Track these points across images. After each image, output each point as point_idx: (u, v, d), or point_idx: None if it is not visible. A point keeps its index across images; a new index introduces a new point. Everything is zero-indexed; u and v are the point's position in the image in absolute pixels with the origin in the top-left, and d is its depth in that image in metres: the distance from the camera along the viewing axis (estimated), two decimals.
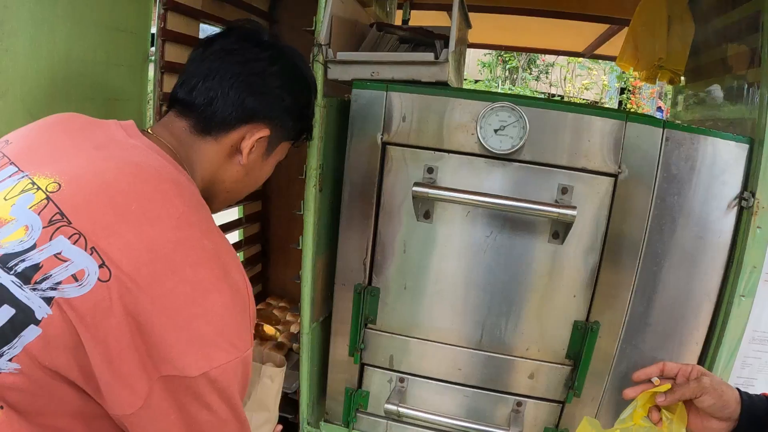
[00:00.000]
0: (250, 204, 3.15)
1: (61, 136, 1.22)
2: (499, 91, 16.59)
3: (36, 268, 0.98)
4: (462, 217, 1.76)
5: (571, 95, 17.14)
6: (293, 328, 2.85)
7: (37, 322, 0.96)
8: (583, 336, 1.76)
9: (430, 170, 1.75)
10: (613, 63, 3.30)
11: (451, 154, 1.74)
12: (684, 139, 1.62)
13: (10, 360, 0.97)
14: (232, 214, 3.03)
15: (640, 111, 16.35)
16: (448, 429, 1.96)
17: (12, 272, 0.98)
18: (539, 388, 1.87)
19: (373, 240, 1.87)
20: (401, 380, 1.98)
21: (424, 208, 1.78)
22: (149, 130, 1.30)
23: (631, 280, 1.71)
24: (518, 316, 1.81)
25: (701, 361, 1.80)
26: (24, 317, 0.97)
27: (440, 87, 1.77)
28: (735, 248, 1.69)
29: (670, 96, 3.40)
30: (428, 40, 1.93)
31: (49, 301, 0.96)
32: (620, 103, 17.11)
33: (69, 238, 1.00)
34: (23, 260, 0.98)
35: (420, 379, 1.97)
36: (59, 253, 0.99)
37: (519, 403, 1.90)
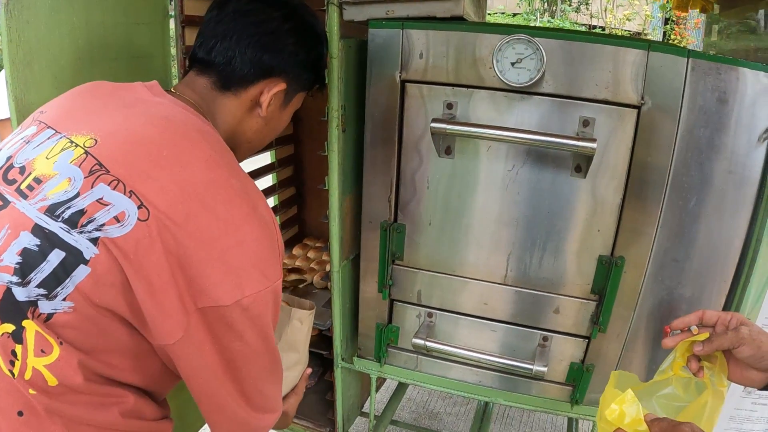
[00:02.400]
0: (282, 148, 3.17)
1: (92, 101, 1.31)
2: (538, 23, 16.34)
3: (81, 213, 1.08)
4: (483, 152, 1.76)
5: (613, 27, 16.77)
6: (329, 268, 2.86)
7: (86, 262, 1.07)
8: (607, 271, 1.76)
9: (449, 106, 1.75)
10: None
11: (469, 89, 1.73)
12: (710, 69, 1.57)
13: (64, 299, 1.08)
14: (265, 158, 3.05)
15: (684, 42, 15.98)
16: (476, 363, 2.00)
17: (59, 219, 1.08)
18: (565, 323, 1.89)
19: (396, 177, 1.89)
20: (429, 315, 2.02)
21: (445, 144, 1.78)
22: (172, 89, 1.40)
23: (657, 214, 1.69)
24: (543, 251, 1.81)
25: (729, 299, 1.78)
26: (74, 258, 1.07)
27: (456, 22, 1.75)
28: (765, 184, 1.65)
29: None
30: None
31: (95, 241, 1.06)
32: (664, 34, 16.70)
33: (108, 185, 1.09)
34: (69, 207, 1.09)
35: (447, 314, 2.00)
36: (101, 198, 1.08)
37: (545, 338, 1.92)
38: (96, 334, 1.12)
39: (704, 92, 1.59)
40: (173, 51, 2.34)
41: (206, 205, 1.12)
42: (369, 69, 1.81)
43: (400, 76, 1.77)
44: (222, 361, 1.19)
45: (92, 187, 1.09)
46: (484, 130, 1.66)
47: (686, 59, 1.57)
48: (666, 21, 16.76)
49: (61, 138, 1.18)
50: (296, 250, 3.19)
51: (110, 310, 1.10)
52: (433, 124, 1.69)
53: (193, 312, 1.11)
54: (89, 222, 1.07)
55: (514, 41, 1.62)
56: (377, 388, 2.28)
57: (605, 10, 16.83)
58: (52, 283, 1.07)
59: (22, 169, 1.17)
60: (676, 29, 16.20)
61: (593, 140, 1.59)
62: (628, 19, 16.61)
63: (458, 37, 1.70)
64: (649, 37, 16.61)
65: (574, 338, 1.90)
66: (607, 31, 16.42)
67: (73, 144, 1.16)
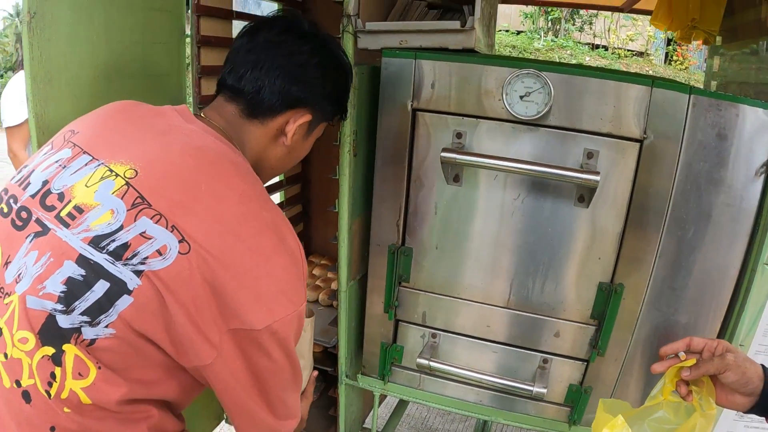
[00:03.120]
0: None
1: (126, 125, 1.35)
2: (542, 42, 16.37)
3: (125, 246, 1.13)
4: (490, 181, 1.81)
5: (616, 46, 16.81)
6: (334, 285, 2.92)
7: (129, 292, 1.12)
8: (607, 297, 1.80)
9: (458, 135, 1.79)
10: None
11: (478, 120, 1.77)
12: (711, 105, 1.62)
13: (106, 326, 1.12)
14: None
15: (686, 63, 16.02)
16: (477, 383, 2.04)
17: (104, 251, 1.13)
18: (564, 347, 1.93)
19: (405, 203, 1.93)
20: (433, 336, 2.05)
21: (454, 172, 1.83)
22: (202, 114, 1.44)
23: (656, 244, 1.73)
24: (545, 277, 1.86)
25: (723, 327, 1.82)
26: (118, 289, 1.12)
27: (467, 54, 1.80)
28: (760, 216, 1.69)
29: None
30: (456, 5, 1.97)
31: (138, 273, 1.12)
32: (667, 54, 16.75)
33: (151, 219, 1.14)
34: (113, 240, 1.13)
35: (451, 335, 2.04)
36: (144, 232, 1.13)
37: (545, 360, 1.96)
38: (132, 355, 1.17)
39: (704, 128, 1.64)
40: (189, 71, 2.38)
41: (240, 237, 1.18)
42: (381, 96, 1.86)
43: (411, 105, 1.82)
44: (251, 377, 1.25)
45: (135, 221, 1.14)
46: (493, 161, 1.71)
47: (688, 95, 1.62)
48: (668, 42, 16.79)
49: (99, 165, 1.22)
50: None
51: (148, 336, 1.15)
52: (444, 154, 1.73)
53: (225, 333, 1.16)
54: (134, 255, 1.12)
55: (523, 75, 1.68)
56: (379, 404, 2.31)
57: (608, 30, 16.86)
58: (96, 311, 1.12)
59: (61, 196, 1.20)
60: (678, 50, 16.25)
61: (597, 173, 1.64)
62: (631, 40, 16.64)
63: (469, 69, 1.75)
64: (651, 57, 16.64)
65: (573, 361, 1.94)
66: (610, 51, 16.47)
67: (113, 173, 1.20)
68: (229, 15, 2.53)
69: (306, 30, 1.47)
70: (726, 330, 1.83)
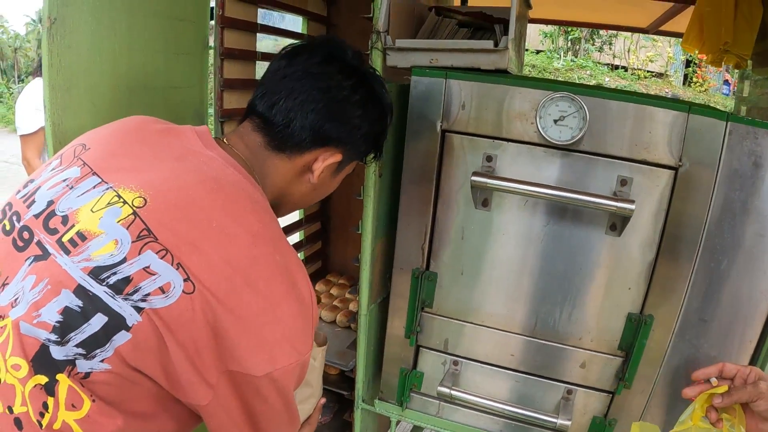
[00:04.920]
0: None
1: (139, 145, 1.29)
2: (561, 62, 16.37)
3: (127, 280, 1.07)
4: (520, 206, 1.76)
5: (635, 67, 16.81)
6: (352, 306, 2.90)
7: (128, 328, 1.07)
8: (636, 328, 1.75)
9: (489, 158, 1.75)
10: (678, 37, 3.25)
11: (510, 143, 1.73)
12: (747, 133, 1.57)
13: (101, 361, 1.07)
14: None
15: (706, 84, 15.99)
16: (499, 413, 1.98)
17: (104, 284, 1.07)
18: (590, 378, 1.88)
19: (431, 226, 1.88)
20: (455, 363, 2.01)
21: (483, 197, 1.79)
22: (224, 140, 1.37)
23: (688, 275, 1.68)
24: (572, 306, 1.81)
25: (754, 359, 1.77)
26: (116, 323, 1.07)
27: (500, 75, 1.76)
28: None
29: (737, 73, 3.32)
30: (486, 24, 1.93)
31: (139, 310, 1.06)
32: (686, 76, 16.75)
33: (156, 254, 1.08)
34: (115, 273, 1.07)
35: (473, 363, 1.99)
36: (147, 267, 1.07)
37: (569, 391, 1.91)
38: (128, 389, 1.12)
39: (741, 156, 1.59)
40: (211, 83, 2.36)
41: (249, 281, 1.12)
42: (410, 116, 1.82)
43: (441, 126, 1.78)
44: (246, 419, 1.20)
45: (139, 254, 1.08)
46: (525, 186, 1.66)
47: (725, 122, 1.57)
48: (688, 63, 16.80)
49: (107, 190, 1.16)
50: (319, 287, 3.19)
51: (144, 372, 1.11)
52: (474, 178, 1.69)
53: (222, 373, 1.11)
54: (135, 291, 1.06)
55: (558, 98, 1.63)
56: (394, 429, 2.26)
57: (628, 51, 16.86)
58: (92, 344, 1.07)
59: (65, 219, 1.14)
60: (698, 72, 16.24)
61: (632, 201, 1.59)
62: (650, 60, 16.65)
63: (502, 90, 1.70)
64: (670, 79, 16.63)
65: (598, 392, 1.89)
66: (629, 72, 16.45)
67: (121, 200, 1.14)
68: (254, 28, 2.51)
69: (349, 62, 1.39)
70: (756, 362, 1.77)
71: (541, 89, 1.67)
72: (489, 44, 1.74)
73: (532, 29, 16.33)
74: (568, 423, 1.84)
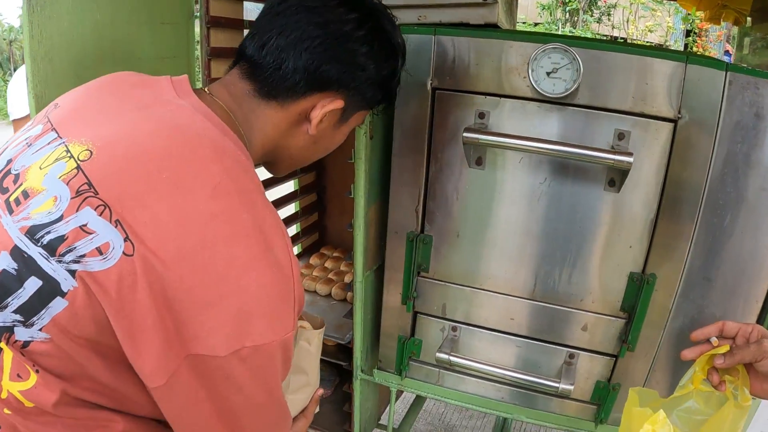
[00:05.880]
0: None
1: (108, 98, 1.16)
2: (560, 34, 16.28)
3: (61, 239, 0.95)
4: (515, 164, 1.72)
5: (635, 38, 16.70)
6: (347, 278, 2.86)
7: (63, 294, 0.96)
8: (638, 288, 1.71)
9: (481, 115, 1.70)
10: (677, 4, 3.16)
11: (503, 99, 1.68)
12: (748, 83, 1.51)
13: (40, 329, 0.98)
14: None
15: (706, 54, 15.89)
16: (499, 379, 1.95)
17: (39, 244, 0.96)
18: (592, 341, 1.84)
19: (425, 188, 1.84)
20: (454, 329, 1.97)
21: (476, 155, 1.74)
22: (206, 90, 1.21)
23: (690, 231, 1.64)
24: (572, 266, 1.77)
25: (761, 319, 1.73)
26: (50, 289, 0.96)
27: (490, 29, 1.71)
28: None
29: (736, 40, 3.28)
30: None
31: (73, 273, 0.94)
32: (686, 46, 16.61)
33: (95, 210, 0.95)
34: (49, 232, 0.96)
35: (472, 328, 1.96)
36: (84, 225, 0.95)
37: (571, 356, 1.87)
38: (77, 363, 1.01)
39: (742, 107, 1.54)
40: (198, 52, 2.31)
41: (205, 242, 0.96)
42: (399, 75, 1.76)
43: (431, 84, 1.73)
44: (217, 413, 1.05)
45: (77, 211, 0.96)
46: (518, 141, 1.61)
47: (724, 72, 1.52)
48: (688, 33, 16.69)
49: (59, 145, 1.05)
50: (313, 260, 3.15)
51: (91, 342, 0.99)
52: (466, 134, 1.64)
53: (184, 358, 0.96)
54: (69, 251, 0.95)
55: (550, 50, 1.58)
56: (395, 400, 2.23)
57: (627, 21, 16.76)
58: (29, 311, 0.97)
59: (16, 178, 1.04)
60: (698, 42, 16.13)
61: (630, 154, 1.54)
62: (650, 31, 16.54)
63: (492, 44, 1.65)
64: (671, 48, 16.54)
65: (600, 356, 1.86)
66: (629, 43, 16.36)
67: (68, 154, 1.02)
68: None
69: None
70: (763, 322, 1.73)
71: (532, 42, 1.61)
72: None
73: (530, 2, 16.28)
74: (571, 388, 1.81)
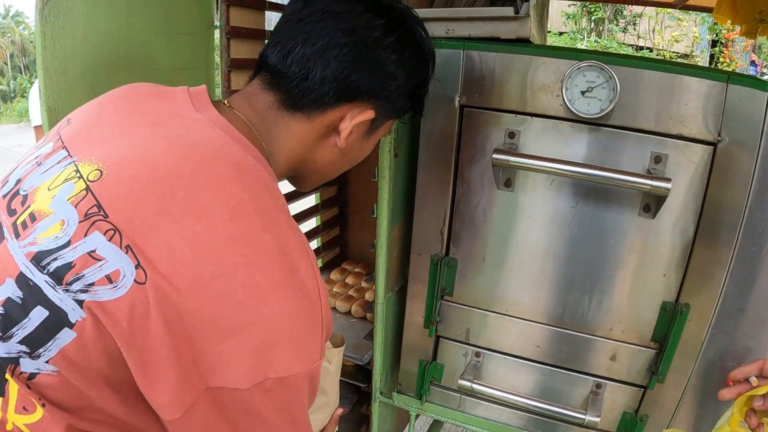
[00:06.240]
0: None
1: (121, 112, 1.10)
2: (585, 44, 16.21)
3: (68, 267, 0.88)
4: (545, 186, 1.66)
5: (660, 48, 16.61)
6: (368, 296, 2.81)
7: (71, 326, 0.89)
8: (671, 318, 1.64)
9: (511, 135, 1.65)
10: (704, 14, 3.09)
11: (534, 118, 1.62)
12: None
13: (47, 362, 0.91)
14: None
15: (733, 65, 15.78)
16: (524, 408, 1.89)
17: (45, 271, 0.89)
18: (621, 371, 1.77)
19: (450, 208, 1.78)
20: (477, 355, 1.91)
21: (505, 176, 1.68)
22: (225, 102, 1.15)
23: (728, 259, 1.56)
24: (603, 294, 1.70)
25: None
26: (57, 319, 0.89)
27: (521, 44, 1.65)
28: None
29: (766, 49, 3.20)
30: None
31: (81, 303, 0.88)
32: (712, 56, 16.55)
33: (104, 234, 0.89)
34: (55, 258, 0.89)
35: (496, 355, 1.89)
36: (93, 251, 0.88)
37: (598, 385, 1.80)
38: (86, 396, 0.95)
39: None
40: (217, 63, 2.27)
41: (223, 269, 0.89)
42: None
43: (459, 101, 1.67)
44: None
45: (85, 236, 0.89)
46: (550, 164, 1.55)
47: (767, 93, 1.44)
48: (714, 43, 16.60)
49: (69, 164, 0.98)
50: (334, 275, 3.11)
51: (102, 375, 0.93)
52: (495, 155, 1.58)
53: (203, 391, 0.89)
54: (76, 279, 0.88)
55: (585, 68, 1.52)
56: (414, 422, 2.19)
57: (653, 31, 16.67)
58: (35, 342, 0.90)
59: (24, 199, 0.98)
60: (725, 52, 16.03)
61: (668, 180, 1.47)
62: (676, 41, 16.45)
63: (524, 60, 1.59)
64: (696, 59, 16.45)
65: (629, 387, 1.79)
66: (654, 53, 16.27)
67: (78, 175, 0.96)
68: (261, 5, 2.42)
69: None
70: None
71: (566, 58, 1.55)
72: (509, 11, 1.63)
73: (554, 11, 16.22)
74: (597, 419, 1.75)
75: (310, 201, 3.00)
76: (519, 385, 1.89)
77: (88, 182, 0.94)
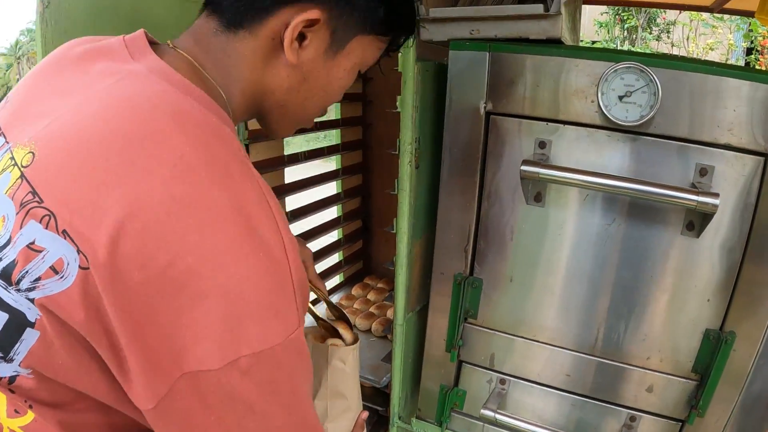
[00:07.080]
0: (349, 178, 3.05)
1: (54, 81, 0.98)
2: (633, 51, 16.08)
3: (13, 265, 0.80)
4: (579, 202, 1.57)
5: (695, 56, 16.43)
6: (390, 314, 2.74)
7: (32, 325, 0.81)
8: (714, 347, 1.54)
9: (542, 145, 1.56)
10: (739, 20, 2.98)
11: (566, 126, 1.53)
12: None
13: (19, 365, 0.83)
14: (330, 188, 2.90)
15: None
16: None
17: None
18: (657, 403, 1.67)
19: (475, 225, 1.72)
20: (502, 382, 1.83)
21: (535, 190, 1.60)
22: (170, 43, 1.01)
23: None
24: (640, 320, 1.60)
25: None
26: (18, 321, 0.81)
27: (552, 45, 1.56)
28: None
29: None
30: None
31: (33, 301, 0.80)
32: (747, 63, 16.31)
33: (40, 222, 0.80)
34: (1, 259, 0.81)
35: (522, 383, 1.81)
36: (32, 243, 0.80)
37: (632, 418, 1.71)
38: (69, 390, 0.87)
39: None
40: None
41: (168, 236, 0.78)
42: (448, 97, 1.65)
43: (484, 107, 1.60)
44: None
45: (21, 228, 0.80)
46: (585, 177, 1.45)
47: None
48: (749, 51, 16.38)
49: (5, 152, 0.90)
50: (356, 290, 3.05)
51: (78, 367, 0.84)
52: (524, 167, 1.49)
53: (177, 379, 0.78)
54: (22, 277, 0.79)
55: (623, 70, 1.42)
56: None
57: (687, 39, 16.48)
58: (5, 346, 0.83)
59: None
60: (761, 59, 15.79)
61: (716, 195, 1.35)
62: (711, 49, 16.24)
63: (555, 63, 1.50)
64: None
65: (665, 420, 1.69)
66: None
67: (13, 162, 0.86)
68: None
69: None
70: None
71: (602, 60, 1.45)
72: (539, 8, 1.54)
73: (586, 19, 16.10)
74: None
75: (332, 213, 2.94)
76: (546, 416, 1.81)
77: (21, 168, 0.84)
